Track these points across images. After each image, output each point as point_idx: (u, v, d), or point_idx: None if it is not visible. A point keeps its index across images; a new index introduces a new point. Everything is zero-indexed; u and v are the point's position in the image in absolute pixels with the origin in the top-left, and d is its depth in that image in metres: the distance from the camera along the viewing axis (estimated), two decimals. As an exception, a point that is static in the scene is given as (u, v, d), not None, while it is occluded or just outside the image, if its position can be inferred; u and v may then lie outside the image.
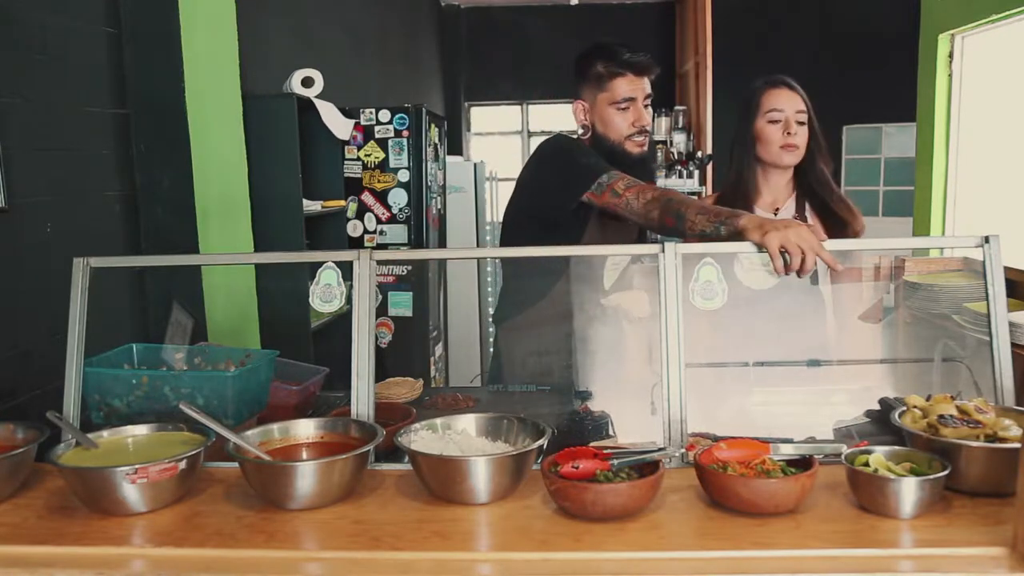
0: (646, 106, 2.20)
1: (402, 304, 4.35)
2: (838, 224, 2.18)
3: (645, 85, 2.18)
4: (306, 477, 1.28)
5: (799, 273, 1.65)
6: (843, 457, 1.28)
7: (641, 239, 2.36)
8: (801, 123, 2.14)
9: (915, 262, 2.70)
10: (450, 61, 9.06)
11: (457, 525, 1.25)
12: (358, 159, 4.25)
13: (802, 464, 1.29)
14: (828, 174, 2.20)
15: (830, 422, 1.74)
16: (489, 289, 5.77)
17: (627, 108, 2.16)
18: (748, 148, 2.19)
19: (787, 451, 1.31)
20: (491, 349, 2.40)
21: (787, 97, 2.15)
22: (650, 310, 2.17)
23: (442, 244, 4.75)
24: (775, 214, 2.19)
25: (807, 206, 2.23)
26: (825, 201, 2.20)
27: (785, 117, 2.13)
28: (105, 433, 1.45)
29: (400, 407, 1.88)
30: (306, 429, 1.47)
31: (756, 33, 8.35)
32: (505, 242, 2.36)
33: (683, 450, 1.42)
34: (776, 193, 2.22)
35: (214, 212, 2.90)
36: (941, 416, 1.34)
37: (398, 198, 4.27)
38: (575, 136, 2.31)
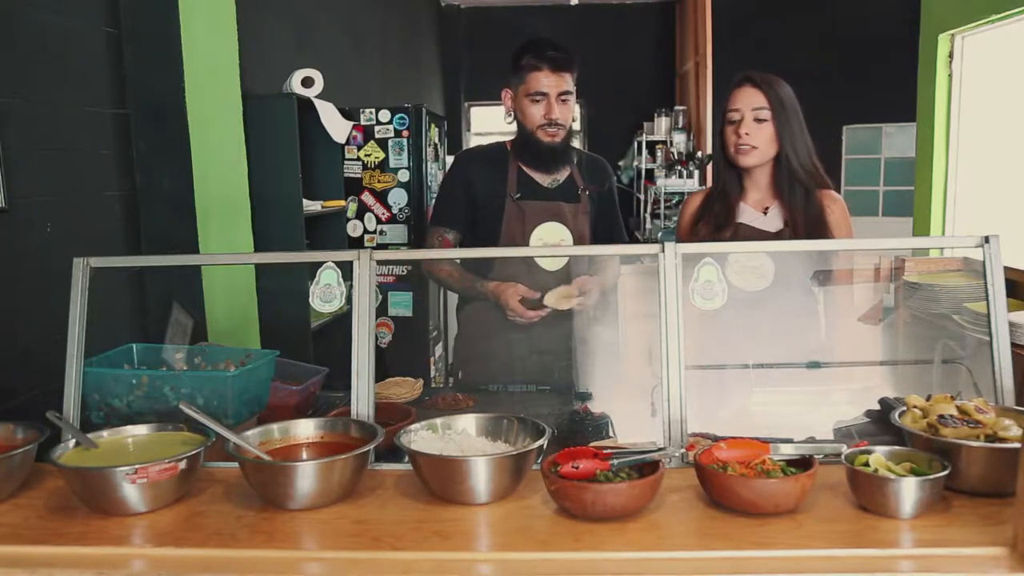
0: (564, 101, 2.31)
1: (402, 304, 4.35)
2: (812, 224, 2.10)
3: (561, 81, 2.29)
4: (306, 477, 1.28)
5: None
6: (843, 457, 1.28)
7: (563, 214, 2.40)
8: (761, 120, 2.07)
9: (915, 262, 2.70)
10: (450, 61, 9.07)
11: (457, 525, 1.25)
12: (358, 159, 4.26)
13: (802, 464, 1.29)
14: (792, 172, 2.09)
15: (830, 422, 1.74)
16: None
17: (540, 101, 2.29)
18: (722, 151, 2.16)
19: (787, 451, 1.31)
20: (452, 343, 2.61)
21: (746, 95, 2.09)
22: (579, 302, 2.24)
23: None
24: (764, 213, 2.15)
25: (778, 205, 2.14)
26: (792, 202, 2.12)
27: (741, 116, 2.08)
28: (105, 433, 1.45)
29: (400, 407, 1.88)
30: (306, 429, 1.47)
31: (756, 33, 8.36)
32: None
33: (683, 450, 1.42)
34: (762, 192, 2.17)
35: (214, 212, 2.90)
36: (941, 416, 1.34)
37: (398, 198, 4.27)
38: (477, 147, 2.61)
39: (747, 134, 2.08)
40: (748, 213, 2.16)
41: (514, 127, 2.41)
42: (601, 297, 2.27)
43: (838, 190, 2.30)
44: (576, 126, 9.67)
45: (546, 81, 2.27)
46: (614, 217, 2.53)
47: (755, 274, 2.06)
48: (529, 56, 2.29)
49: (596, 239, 2.45)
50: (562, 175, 2.42)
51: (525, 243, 2.35)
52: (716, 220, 2.16)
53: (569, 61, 2.30)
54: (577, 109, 9.70)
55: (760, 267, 2.06)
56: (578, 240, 2.39)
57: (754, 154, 2.09)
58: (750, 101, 2.08)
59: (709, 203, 2.22)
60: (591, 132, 9.52)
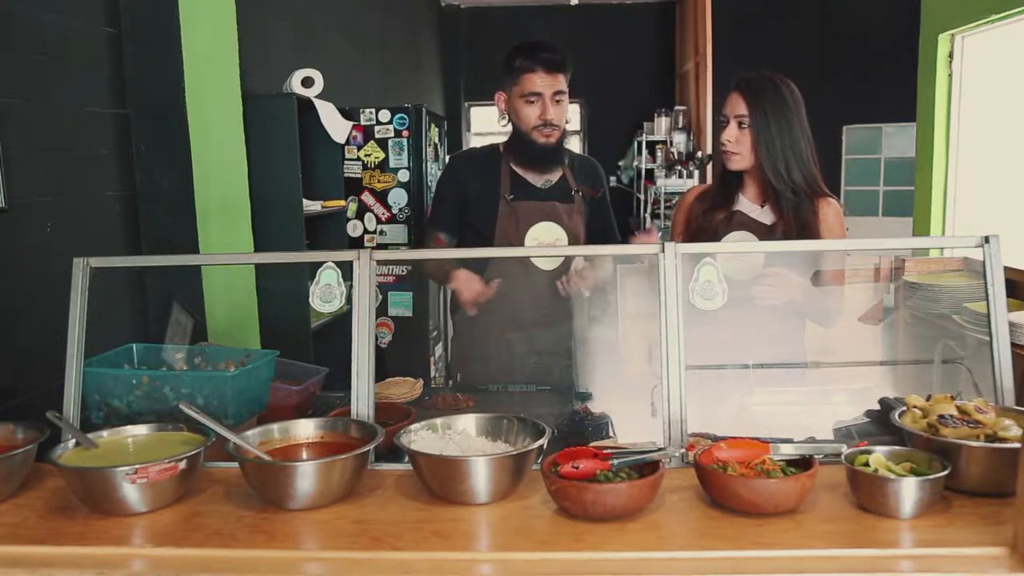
0: (558, 101, 2.33)
1: (402, 304, 4.35)
2: (799, 228, 2.07)
3: (555, 82, 2.31)
4: (306, 477, 1.28)
5: None
6: (843, 457, 1.28)
7: (558, 214, 2.40)
8: (744, 127, 2.06)
9: (915, 262, 2.70)
10: (450, 61, 9.06)
11: (457, 525, 1.25)
12: (358, 159, 4.25)
13: (802, 464, 1.29)
14: (776, 176, 2.05)
15: (830, 422, 1.74)
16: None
17: (535, 102, 2.31)
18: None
19: (787, 451, 1.31)
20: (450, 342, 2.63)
21: (732, 101, 2.09)
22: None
23: (442, 244, 4.75)
24: (761, 206, 2.13)
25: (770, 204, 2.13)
26: (779, 205, 2.10)
27: (726, 122, 2.09)
28: (105, 433, 1.45)
29: (400, 407, 1.88)
30: (306, 429, 1.47)
31: (756, 33, 8.35)
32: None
33: (683, 450, 1.42)
34: (758, 189, 2.15)
35: (214, 212, 2.90)
36: (941, 416, 1.34)
37: (398, 198, 4.27)
38: (467, 150, 2.72)
39: (729, 140, 2.09)
40: (746, 205, 2.16)
41: (509, 129, 2.42)
42: (601, 297, 2.28)
43: (838, 190, 2.30)
44: (575, 126, 9.71)
45: (540, 82, 2.29)
46: (607, 219, 2.54)
47: (742, 261, 2.06)
48: (522, 58, 2.30)
49: (590, 241, 2.46)
50: (555, 176, 2.43)
51: (520, 243, 2.36)
52: (713, 201, 2.18)
53: (562, 62, 2.31)
54: (576, 109, 9.78)
55: (748, 256, 2.06)
56: (573, 240, 2.40)
57: (737, 159, 2.10)
58: (734, 107, 2.08)
59: (709, 192, 2.24)
60: (591, 132, 9.52)
